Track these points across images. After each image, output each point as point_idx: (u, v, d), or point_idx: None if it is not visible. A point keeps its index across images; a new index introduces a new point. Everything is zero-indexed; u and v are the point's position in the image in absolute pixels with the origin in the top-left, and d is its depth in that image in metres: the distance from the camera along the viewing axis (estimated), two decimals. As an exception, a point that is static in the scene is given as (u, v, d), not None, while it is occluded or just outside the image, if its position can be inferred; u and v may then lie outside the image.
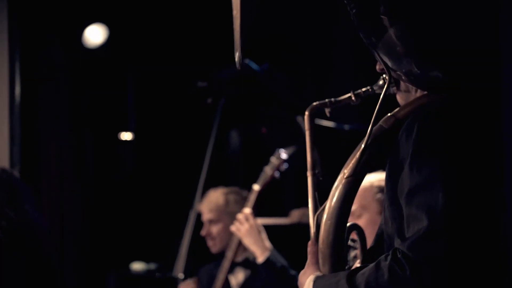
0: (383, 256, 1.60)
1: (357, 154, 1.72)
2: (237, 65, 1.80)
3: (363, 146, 1.71)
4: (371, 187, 2.56)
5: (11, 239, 2.82)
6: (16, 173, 3.09)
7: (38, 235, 2.97)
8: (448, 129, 1.62)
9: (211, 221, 3.61)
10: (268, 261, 3.32)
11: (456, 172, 1.58)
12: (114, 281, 4.62)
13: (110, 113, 5.49)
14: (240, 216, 3.44)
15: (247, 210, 3.44)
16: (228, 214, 3.59)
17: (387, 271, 1.56)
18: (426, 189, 1.57)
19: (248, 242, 3.40)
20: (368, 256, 1.84)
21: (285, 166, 3.43)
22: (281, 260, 3.35)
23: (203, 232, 3.62)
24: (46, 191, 5.18)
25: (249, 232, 3.39)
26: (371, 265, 1.61)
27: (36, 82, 5.15)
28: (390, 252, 1.58)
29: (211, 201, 3.63)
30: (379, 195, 2.53)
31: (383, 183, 2.49)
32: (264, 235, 3.41)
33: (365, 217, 2.55)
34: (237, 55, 1.77)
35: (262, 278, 3.45)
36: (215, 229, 3.54)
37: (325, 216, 1.73)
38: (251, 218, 3.41)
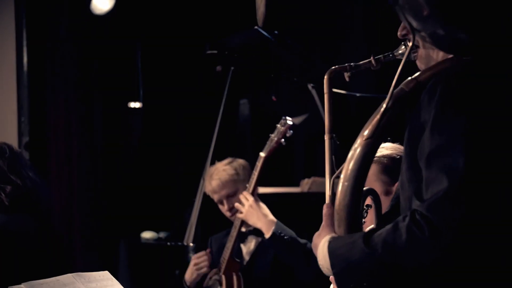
0: (401, 217, 1.59)
1: (377, 116, 1.71)
2: (259, 23, 1.77)
3: (383, 108, 1.70)
4: (373, 167, 2.54)
5: (17, 204, 2.84)
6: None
7: (43, 200, 2.99)
8: (471, 91, 1.60)
9: (229, 196, 3.58)
10: (275, 235, 3.30)
11: (479, 135, 1.56)
12: (125, 250, 4.63)
13: (119, 81, 5.45)
14: (241, 196, 3.41)
15: (244, 193, 3.40)
16: (241, 182, 3.56)
17: (405, 231, 1.54)
18: (447, 151, 1.55)
19: (252, 221, 3.38)
20: (382, 222, 1.81)
21: (291, 133, 3.39)
22: (288, 232, 3.32)
23: (226, 209, 3.57)
24: (55, 161, 5.17)
25: (250, 212, 3.37)
26: (388, 226, 1.60)
27: (43, 51, 5.12)
28: (409, 213, 1.57)
29: (221, 177, 3.58)
30: (382, 176, 2.51)
31: (385, 161, 2.49)
32: (266, 211, 3.38)
33: (369, 198, 2.53)
34: (260, 12, 1.74)
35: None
36: (235, 201, 3.51)
37: (342, 178, 1.72)
38: (249, 197, 3.38)
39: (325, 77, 1.89)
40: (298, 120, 3.57)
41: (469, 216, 1.51)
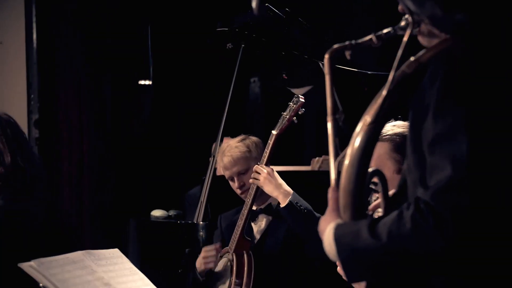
0: (405, 205, 1.58)
1: (379, 100, 1.68)
2: (255, 11, 1.75)
3: (385, 91, 1.68)
4: (385, 144, 2.52)
5: (25, 185, 2.84)
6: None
7: (44, 179, 3.01)
8: (474, 76, 1.57)
9: (240, 173, 3.56)
10: (291, 204, 3.29)
11: (482, 121, 1.53)
12: (134, 228, 4.63)
13: (129, 59, 5.43)
14: (254, 167, 3.40)
15: (259, 165, 3.39)
16: (253, 160, 3.55)
17: (410, 221, 1.53)
18: (450, 137, 1.53)
19: (269, 189, 3.37)
20: (390, 203, 1.80)
21: (303, 111, 3.37)
22: (304, 203, 3.32)
23: (237, 187, 3.56)
24: (65, 138, 5.17)
25: (268, 180, 3.35)
26: (393, 214, 1.59)
27: (52, 28, 5.10)
28: (413, 202, 1.56)
29: (232, 154, 3.56)
30: (394, 154, 2.49)
31: (397, 139, 2.47)
32: (282, 181, 3.37)
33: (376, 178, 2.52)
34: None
35: (284, 224, 3.43)
36: (246, 179, 3.50)
37: (346, 163, 1.70)
38: (265, 167, 3.37)
39: (326, 56, 1.84)
40: (307, 93, 3.55)
41: (473, 204, 1.49)
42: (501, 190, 1.52)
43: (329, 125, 1.82)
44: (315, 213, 3.30)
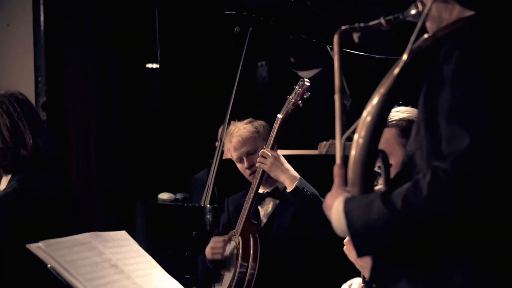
0: (420, 174, 1.58)
1: (394, 72, 1.69)
2: None
3: (402, 64, 1.68)
4: (393, 129, 2.52)
5: (35, 162, 2.86)
6: None
7: (56, 157, 3.04)
8: (492, 46, 1.59)
9: (249, 153, 3.57)
10: (297, 189, 3.30)
11: (501, 89, 1.54)
12: (142, 210, 4.65)
13: (137, 42, 5.42)
14: (261, 152, 3.40)
15: (265, 149, 3.40)
16: (261, 141, 3.56)
17: (427, 188, 1.53)
18: (469, 106, 1.54)
19: (275, 174, 3.37)
20: (391, 183, 1.79)
21: (308, 94, 3.36)
22: (310, 188, 3.32)
23: (245, 167, 3.56)
24: (72, 121, 5.18)
25: (275, 164, 3.36)
26: (407, 184, 1.58)
27: (60, 10, 5.09)
28: (429, 170, 1.55)
29: (241, 135, 3.57)
30: (401, 139, 2.49)
31: (404, 124, 2.46)
32: (289, 166, 3.38)
33: (391, 162, 2.52)
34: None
35: (291, 208, 3.43)
36: (256, 159, 3.51)
37: (357, 135, 1.69)
38: (272, 151, 3.38)
39: (335, 37, 1.86)
40: (315, 77, 3.54)
41: (493, 171, 1.50)
42: None
43: (337, 103, 1.83)
44: (321, 198, 3.30)
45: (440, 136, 1.58)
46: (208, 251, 3.54)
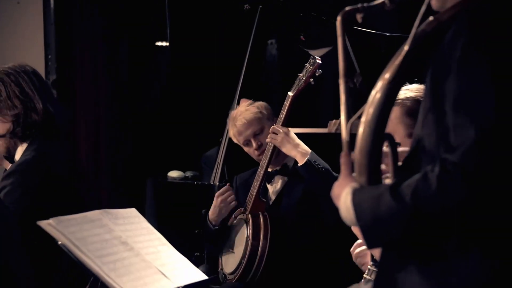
0: (429, 167, 1.56)
1: (398, 58, 1.67)
2: None
3: (405, 50, 1.66)
4: (398, 108, 2.51)
5: (46, 131, 2.91)
6: None
7: (67, 128, 3.08)
8: (498, 33, 1.55)
9: (256, 134, 3.57)
10: (309, 163, 3.30)
11: (507, 78, 1.51)
12: (151, 188, 4.66)
13: (146, 20, 5.41)
14: (271, 128, 3.40)
15: (276, 125, 3.40)
16: (266, 121, 3.56)
17: (436, 181, 1.52)
18: (475, 94, 1.52)
19: (287, 149, 3.38)
20: (399, 168, 1.78)
21: (320, 72, 3.36)
22: (322, 162, 3.33)
23: (254, 148, 3.56)
24: (82, 98, 5.18)
25: (286, 139, 3.36)
26: (416, 176, 1.57)
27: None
28: (438, 162, 1.54)
29: (245, 117, 3.57)
30: (405, 118, 2.47)
31: (409, 103, 2.45)
32: (299, 141, 3.38)
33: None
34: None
35: (300, 185, 3.43)
36: (263, 138, 3.51)
37: (362, 123, 1.68)
38: (282, 127, 3.38)
39: (338, 19, 1.84)
40: (325, 55, 3.53)
41: (502, 163, 1.48)
42: None
43: (341, 88, 1.82)
44: (333, 172, 3.30)
45: (447, 125, 1.56)
46: (214, 209, 3.54)
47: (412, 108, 2.44)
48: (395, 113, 2.51)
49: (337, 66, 1.86)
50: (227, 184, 3.58)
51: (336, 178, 3.32)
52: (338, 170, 1.81)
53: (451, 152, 1.52)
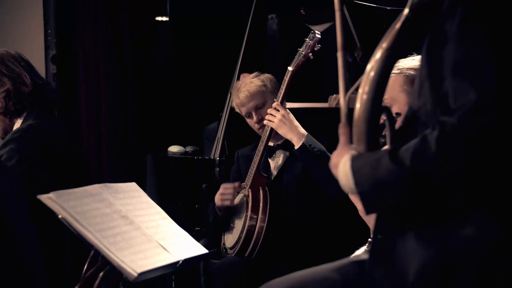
0: (428, 129, 1.56)
1: (396, 26, 1.67)
2: None
3: (403, 18, 1.66)
4: (400, 77, 2.51)
5: (43, 105, 2.97)
6: None
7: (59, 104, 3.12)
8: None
9: (257, 108, 3.56)
10: (304, 146, 3.30)
11: (506, 44, 1.52)
12: (152, 163, 4.67)
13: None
14: (269, 109, 3.40)
15: (275, 103, 3.39)
16: (269, 94, 3.55)
17: (435, 143, 1.52)
18: (474, 60, 1.52)
19: (283, 131, 3.38)
20: (397, 137, 1.79)
21: (319, 47, 3.34)
22: (318, 145, 3.32)
23: (254, 121, 3.56)
24: (83, 74, 5.16)
25: (282, 122, 3.36)
26: (415, 140, 1.58)
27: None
28: (436, 125, 1.54)
29: (248, 90, 3.56)
30: (406, 87, 2.47)
31: (412, 73, 2.44)
32: (297, 123, 3.38)
33: (394, 108, 2.51)
34: None
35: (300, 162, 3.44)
36: (264, 112, 3.50)
37: (361, 91, 1.68)
38: (281, 108, 3.37)
39: None
40: (326, 30, 3.51)
41: (501, 126, 1.49)
42: None
43: (339, 60, 1.82)
44: (328, 154, 3.30)
45: (446, 91, 1.56)
46: (217, 197, 3.56)
47: (414, 77, 2.45)
48: (398, 81, 2.51)
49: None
50: (236, 184, 3.55)
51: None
52: (338, 144, 1.81)
53: (450, 115, 1.53)
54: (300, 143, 3.32)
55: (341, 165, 1.71)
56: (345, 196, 2.51)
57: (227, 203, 3.52)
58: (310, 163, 3.34)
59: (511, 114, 1.49)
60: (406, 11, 1.65)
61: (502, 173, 1.54)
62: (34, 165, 2.83)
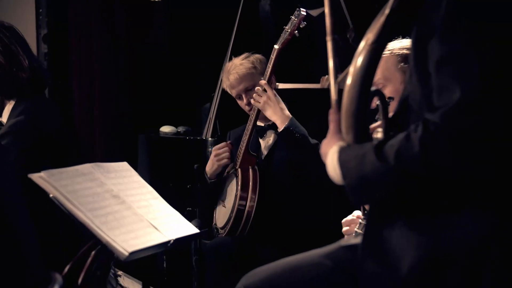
0: (412, 126, 1.56)
1: (381, 19, 1.64)
2: None
3: (388, 10, 1.63)
4: (393, 56, 2.51)
5: (37, 88, 2.91)
6: None
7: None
8: None
9: (247, 90, 3.57)
10: (286, 130, 3.30)
11: (493, 39, 1.50)
12: (144, 143, 4.67)
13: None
14: (257, 88, 3.40)
15: (263, 82, 3.39)
16: (259, 76, 3.55)
17: (418, 143, 1.52)
18: (459, 58, 1.50)
19: (268, 113, 3.38)
20: (390, 122, 1.79)
21: (305, 24, 3.33)
22: (300, 129, 3.32)
23: (244, 103, 3.57)
24: (74, 52, 5.14)
25: (268, 104, 3.36)
26: (400, 136, 1.57)
27: None
28: (420, 124, 1.54)
29: (238, 72, 3.56)
30: (401, 65, 2.47)
31: (405, 51, 2.44)
32: (283, 105, 3.38)
33: (389, 87, 2.52)
34: None
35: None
36: (254, 94, 3.51)
37: (348, 83, 1.68)
38: (269, 89, 3.37)
39: None
40: (317, 13, 3.50)
41: (484, 126, 1.47)
42: None
43: (329, 45, 1.82)
44: (310, 140, 3.30)
45: (431, 86, 1.55)
46: (210, 162, 3.57)
47: (408, 55, 2.45)
48: (391, 61, 2.51)
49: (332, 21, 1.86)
50: (228, 141, 3.57)
51: (312, 146, 3.33)
52: (328, 125, 1.81)
53: (433, 112, 1.52)
54: (283, 127, 3.32)
55: (330, 156, 1.71)
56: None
57: (225, 161, 3.53)
58: (291, 148, 3.34)
59: (496, 112, 1.47)
60: (391, 1, 1.63)
61: (490, 168, 1.52)
62: (32, 156, 2.79)
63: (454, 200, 1.58)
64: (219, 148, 3.57)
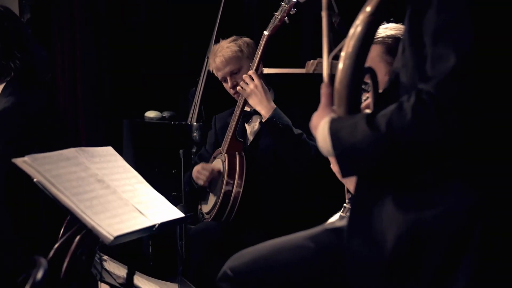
0: (405, 96, 1.57)
1: None
2: None
3: None
4: (378, 46, 2.50)
5: (27, 78, 2.88)
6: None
7: (46, 72, 3.03)
8: None
9: (233, 73, 3.56)
10: (270, 120, 3.31)
11: (486, 9, 1.51)
12: (128, 129, 4.65)
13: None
14: (244, 76, 3.39)
15: (251, 71, 3.38)
16: (245, 60, 3.54)
17: (411, 111, 1.53)
18: (454, 27, 1.51)
19: (253, 102, 3.38)
20: (380, 100, 1.80)
21: (295, 11, 3.33)
22: (284, 120, 3.32)
23: (230, 86, 3.56)
24: (57, 38, 5.10)
25: (254, 92, 3.36)
26: (392, 106, 1.58)
27: None
28: (413, 93, 1.54)
29: (224, 54, 3.55)
30: (386, 56, 2.48)
31: (390, 41, 2.44)
32: (269, 95, 3.37)
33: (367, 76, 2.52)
34: None
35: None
36: (239, 78, 3.50)
37: (343, 56, 1.68)
38: (256, 77, 3.37)
39: None
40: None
41: (478, 94, 1.48)
42: (506, 78, 1.51)
43: (324, 20, 1.82)
44: (293, 130, 3.30)
45: (425, 56, 1.56)
46: (194, 174, 3.58)
47: (393, 46, 2.45)
48: (376, 51, 2.51)
49: (318, 7, 1.85)
50: (212, 169, 3.55)
51: (295, 136, 3.33)
52: (315, 109, 1.81)
53: (427, 82, 1.52)
54: (267, 117, 3.32)
55: (320, 127, 1.71)
56: (321, 161, 2.52)
57: (200, 182, 3.54)
58: (274, 138, 3.35)
59: (491, 82, 1.49)
60: None
61: (479, 142, 1.54)
62: (19, 143, 2.78)
63: (440, 175, 1.58)
64: (202, 168, 3.55)
